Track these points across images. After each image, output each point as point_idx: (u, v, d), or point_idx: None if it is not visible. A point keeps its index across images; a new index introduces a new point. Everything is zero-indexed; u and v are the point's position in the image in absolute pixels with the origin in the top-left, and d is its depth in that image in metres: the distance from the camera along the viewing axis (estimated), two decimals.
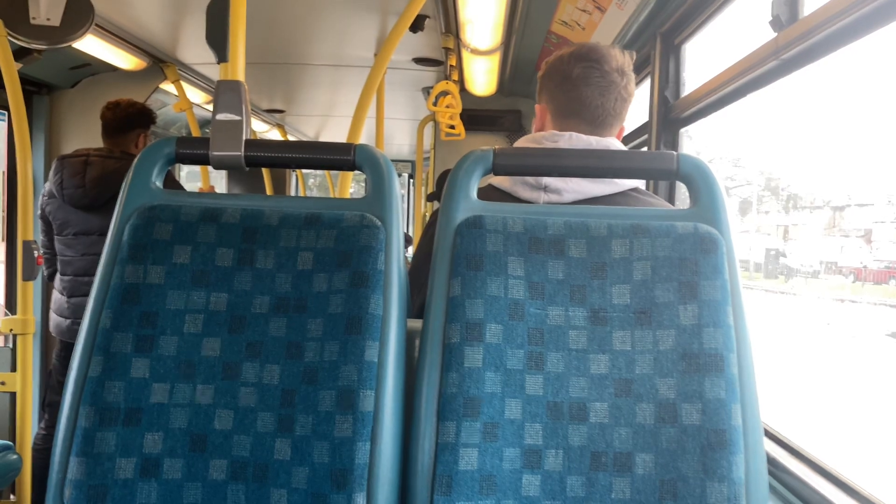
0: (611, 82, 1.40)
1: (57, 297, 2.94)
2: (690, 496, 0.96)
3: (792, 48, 1.51)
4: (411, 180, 8.69)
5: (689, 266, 1.04)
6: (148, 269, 1.05)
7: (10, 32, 2.26)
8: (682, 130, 2.39)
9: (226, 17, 1.15)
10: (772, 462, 1.42)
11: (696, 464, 0.97)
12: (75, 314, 2.84)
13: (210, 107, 4.71)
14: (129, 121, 2.95)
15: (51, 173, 2.86)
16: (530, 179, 1.33)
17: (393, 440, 1.00)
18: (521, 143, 1.41)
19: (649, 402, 1.00)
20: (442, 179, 4.04)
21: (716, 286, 1.03)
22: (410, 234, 6.46)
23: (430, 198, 4.74)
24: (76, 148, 2.95)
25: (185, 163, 1.15)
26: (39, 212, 2.94)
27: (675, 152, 1.10)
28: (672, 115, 2.35)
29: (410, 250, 3.75)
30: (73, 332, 2.82)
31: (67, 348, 2.87)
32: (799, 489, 1.35)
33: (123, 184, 1.12)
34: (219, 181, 6.61)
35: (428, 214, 5.08)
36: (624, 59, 1.42)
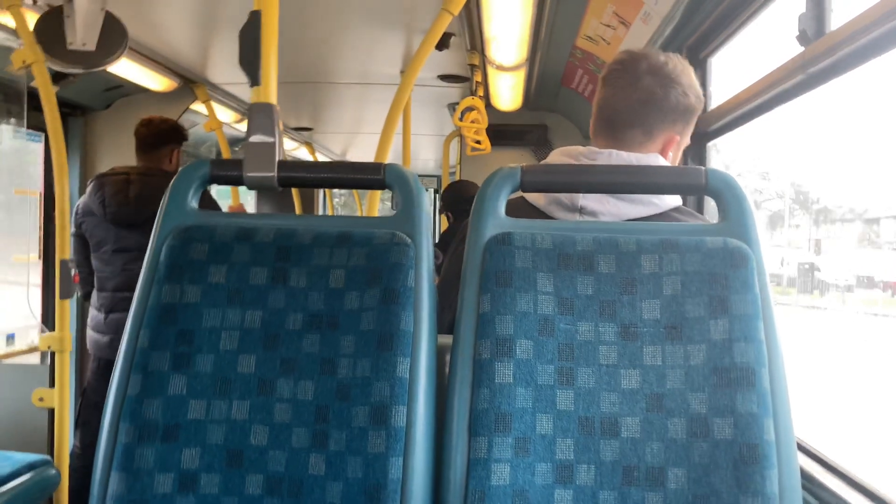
0: (632, 83, 1.31)
1: (94, 313, 2.97)
2: None
3: (819, 62, 1.51)
4: (437, 195, 8.71)
5: (719, 281, 1.04)
6: (184, 289, 1.08)
7: (49, 57, 2.32)
8: (710, 144, 2.38)
9: (258, 41, 1.17)
10: (806, 477, 1.41)
11: (729, 478, 0.96)
12: (113, 330, 2.87)
13: (239, 126, 4.78)
14: (162, 137, 3.03)
15: (89, 190, 2.91)
16: (565, 200, 1.29)
17: (425, 455, 1.01)
18: (556, 155, 1.36)
19: (681, 417, 1.00)
20: (448, 192, 4.03)
21: (746, 301, 1.03)
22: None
23: (441, 210, 4.75)
24: (110, 167, 3.01)
25: (219, 183, 1.18)
26: (74, 230, 2.96)
27: (703, 167, 1.10)
28: (699, 128, 2.34)
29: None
30: (112, 349, 2.83)
31: (106, 366, 2.89)
32: None
33: (160, 205, 1.15)
34: (248, 199, 6.69)
35: (442, 227, 5.07)
36: (660, 61, 1.31)
